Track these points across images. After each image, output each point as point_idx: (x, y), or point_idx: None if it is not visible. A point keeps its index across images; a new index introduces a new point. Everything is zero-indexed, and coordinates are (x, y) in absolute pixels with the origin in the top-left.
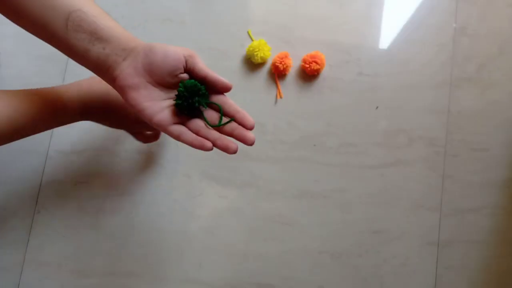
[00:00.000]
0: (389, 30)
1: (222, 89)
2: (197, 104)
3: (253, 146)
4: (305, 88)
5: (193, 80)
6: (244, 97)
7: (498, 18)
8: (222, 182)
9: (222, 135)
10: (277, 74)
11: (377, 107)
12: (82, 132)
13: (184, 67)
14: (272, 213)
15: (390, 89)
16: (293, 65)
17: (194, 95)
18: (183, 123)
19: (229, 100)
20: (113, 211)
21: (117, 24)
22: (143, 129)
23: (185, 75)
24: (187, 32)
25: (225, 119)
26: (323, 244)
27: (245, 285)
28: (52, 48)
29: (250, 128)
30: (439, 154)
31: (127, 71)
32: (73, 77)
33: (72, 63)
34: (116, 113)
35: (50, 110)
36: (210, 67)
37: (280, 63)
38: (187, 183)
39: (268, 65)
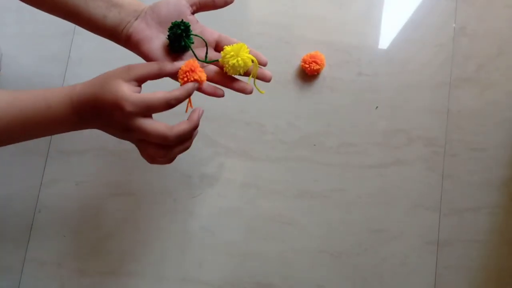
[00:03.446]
0: (388, 30)
1: (224, 3)
2: (179, 31)
3: (253, 146)
4: (305, 88)
5: (182, 20)
6: (243, 98)
7: (497, 18)
8: (222, 182)
9: (238, 79)
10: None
11: (376, 107)
12: (83, 132)
13: (190, 11)
14: (272, 212)
15: (390, 89)
16: (293, 65)
17: (179, 28)
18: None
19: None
20: (113, 210)
21: None
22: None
23: (191, 17)
24: None
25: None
26: (322, 243)
27: (245, 284)
28: (53, 49)
29: (264, 64)
30: (438, 154)
31: (140, 27)
32: (73, 77)
33: (73, 63)
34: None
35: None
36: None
37: (183, 79)
38: (187, 183)
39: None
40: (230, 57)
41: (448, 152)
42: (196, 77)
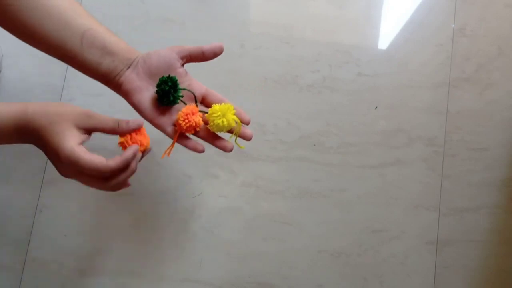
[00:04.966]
0: (388, 30)
1: (219, 51)
2: (167, 88)
3: (253, 146)
4: (305, 88)
5: (169, 75)
6: (243, 98)
7: (497, 18)
8: (222, 182)
9: (220, 137)
10: (180, 132)
11: (376, 107)
12: None
13: (180, 63)
14: (272, 212)
15: (389, 89)
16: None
17: (167, 84)
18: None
19: (225, 100)
20: (113, 210)
21: (120, 39)
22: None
23: (181, 69)
24: (187, 33)
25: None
26: (322, 243)
27: (245, 284)
28: None
29: (247, 123)
30: (438, 153)
31: (131, 77)
32: (74, 77)
33: None
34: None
35: None
36: (210, 67)
37: (184, 120)
38: (187, 183)
39: (263, 65)
40: (217, 116)
41: (447, 152)
42: (196, 120)
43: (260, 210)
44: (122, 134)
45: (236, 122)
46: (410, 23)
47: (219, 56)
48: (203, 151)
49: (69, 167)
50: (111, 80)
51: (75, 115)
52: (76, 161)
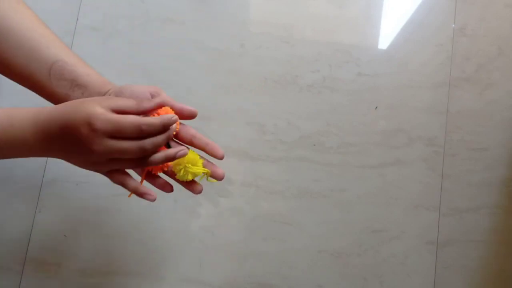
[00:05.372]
0: (388, 30)
1: (189, 116)
2: None
3: (253, 146)
4: (305, 88)
5: None
6: (243, 98)
7: (497, 18)
8: (222, 182)
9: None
10: (148, 171)
11: (376, 107)
12: None
13: None
14: (272, 212)
15: (390, 89)
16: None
17: None
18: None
19: (198, 134)
20: (113, 210)
21: (93, 70)
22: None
23: None
24: (187, 32)
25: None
26: (322, 243)
27: (245, 285)
28: None
29: (220, 158)
30: (438, 153)
31: None
32: None
33: None
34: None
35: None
36: (210, 67)
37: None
38: None
39: (263, 65)
40: (179, 170)
41: (447, 152)
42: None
43: (260, 210)
44: (148, 111)
45: (204, 171)
46: (410, 23)
47: (219, 56)
48: (171, 191)
49: (104, 134)
50: None
51: (96, 99)
52: (111, 118)
